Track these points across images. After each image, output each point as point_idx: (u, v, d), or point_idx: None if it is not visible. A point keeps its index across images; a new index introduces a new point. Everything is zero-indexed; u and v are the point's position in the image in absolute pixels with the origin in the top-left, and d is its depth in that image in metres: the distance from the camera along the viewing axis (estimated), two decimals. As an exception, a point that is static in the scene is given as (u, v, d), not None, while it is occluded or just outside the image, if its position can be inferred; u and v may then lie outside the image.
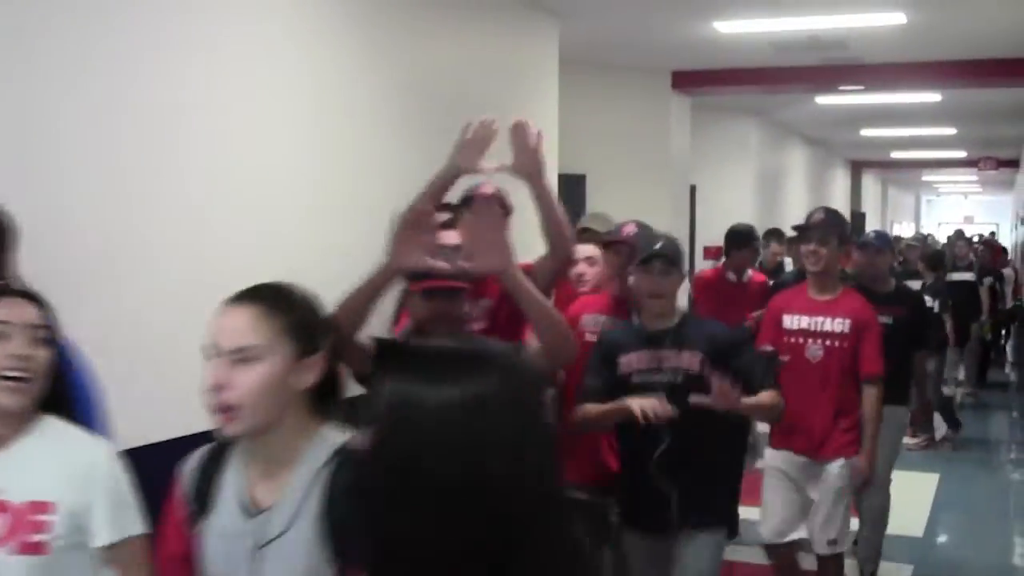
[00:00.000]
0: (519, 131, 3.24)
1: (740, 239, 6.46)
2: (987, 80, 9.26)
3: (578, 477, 3.60)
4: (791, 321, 4.36)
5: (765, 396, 3.39)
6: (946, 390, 9.95)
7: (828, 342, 4.29)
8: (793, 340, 4.33)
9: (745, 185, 12.69)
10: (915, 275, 9.28)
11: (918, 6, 6.97)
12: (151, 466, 2.31)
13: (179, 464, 2.01)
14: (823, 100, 11.70)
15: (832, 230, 4.35)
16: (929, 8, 7.04)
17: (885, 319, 5.09)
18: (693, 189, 10.67)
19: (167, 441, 3.27)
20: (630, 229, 3.95)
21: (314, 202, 4.50)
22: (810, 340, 4.31)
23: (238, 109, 4.05)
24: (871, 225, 22.18)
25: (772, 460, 4.45)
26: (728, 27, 7.63)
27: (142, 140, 3.55)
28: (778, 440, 4.38)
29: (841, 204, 20.13)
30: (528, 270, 3.41)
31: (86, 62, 3.34)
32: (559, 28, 7.14)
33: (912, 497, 6.79)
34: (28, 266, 2.60)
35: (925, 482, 7.72)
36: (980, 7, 7.08)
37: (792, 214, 14.97)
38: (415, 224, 2.73)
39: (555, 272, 3.60)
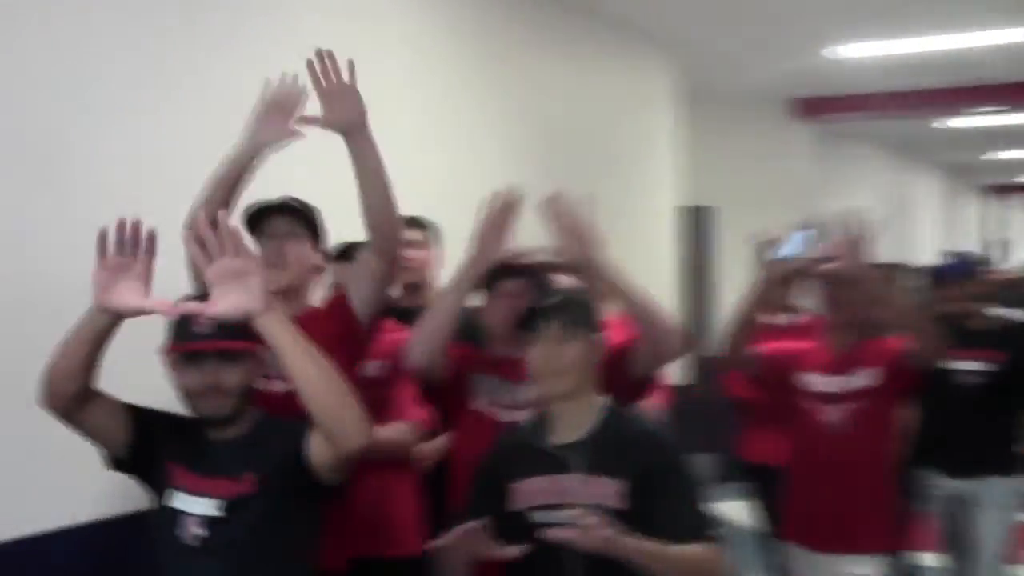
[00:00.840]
0: (326, 65, 2.45)
1: None
2: None
3: None
4: (807, 381, 3.34)
5: (696, 551, 2.19)
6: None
7: (852, 404, 3.27)
8: (806, 406, 3.33)
9: (872, 215, 12.25)
10: None
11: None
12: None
13: None
14: (954, 123, 11.22)
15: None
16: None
17: (978, 366, 4.10)
18: (818, 220, 10.32)
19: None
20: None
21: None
22: (830, 407, 3.28)
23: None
24: (1018, 255, 21.17)
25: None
26: (848, 51, 7.39)
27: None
28: (791, 530, 3.40)
29: (975, 232, 19.32)
30: (329, 311, 2.60)
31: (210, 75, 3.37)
32: (678, 60, 7.04)
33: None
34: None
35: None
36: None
37: (923, 244, 14.41)
38: (124, 243, 2.04)
39: (381, 278, 2.57)
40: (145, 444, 2.22)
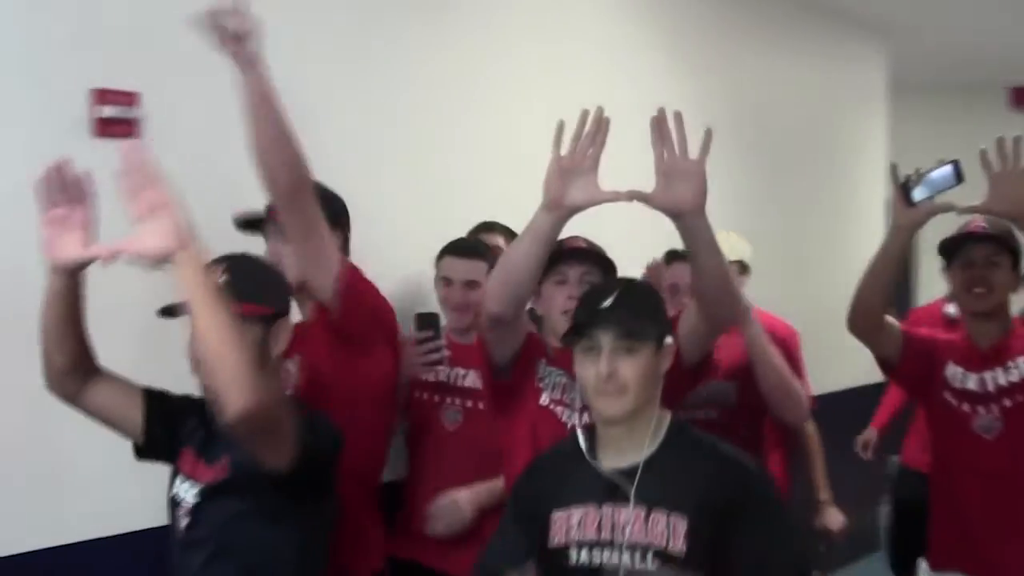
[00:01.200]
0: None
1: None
2: None
3: None
4: (953, 375, 2.84)
5: None
6: None
7: (1007, 402, 2.76)
8: (953, 403, 2.83)
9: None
10: None
11: None
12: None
13: None
14: None
15: (1006, 241, 2.84)
16: None
17: None
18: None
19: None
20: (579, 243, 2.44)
21: (631, 227, 4.32)
22: (980, 408, 2.78)
23: (546, 126, 4.00)
24: None
25: None
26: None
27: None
28: (944, 554, 2.91)
29: None
30: (315, 321, 2.45)
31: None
32: (890, 47, 6.69)
33: None
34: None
35: None
36: None
37: None
38: (56, 191, 1.91)
39: (301, 237, 2.26)
40: (162, 428, 2.10)
